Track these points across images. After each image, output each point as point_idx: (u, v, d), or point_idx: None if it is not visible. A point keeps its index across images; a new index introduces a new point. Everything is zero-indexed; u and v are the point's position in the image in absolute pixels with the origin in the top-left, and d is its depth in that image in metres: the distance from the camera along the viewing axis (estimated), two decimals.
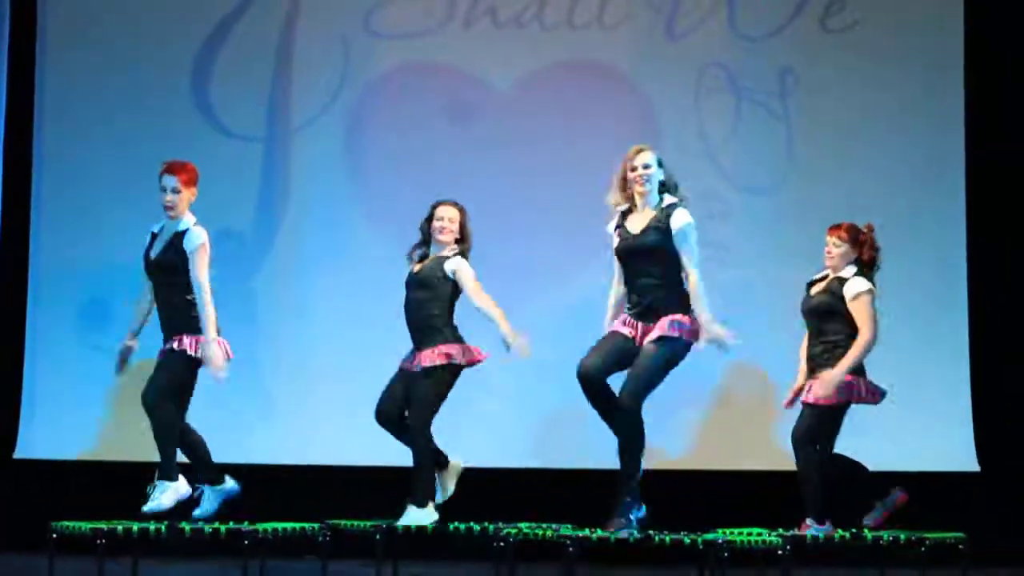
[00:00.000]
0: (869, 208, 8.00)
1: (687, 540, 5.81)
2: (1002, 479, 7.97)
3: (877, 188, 8.14)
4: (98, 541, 5.84)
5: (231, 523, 6.15)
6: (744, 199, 8.22)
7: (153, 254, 6.26)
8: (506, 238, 7.94)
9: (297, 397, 8.07)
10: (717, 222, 7.91)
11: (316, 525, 6.39)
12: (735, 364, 7.71)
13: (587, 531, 5.93)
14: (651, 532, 5.85)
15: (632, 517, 5.91)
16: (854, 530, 6.41)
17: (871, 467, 6.62)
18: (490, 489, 7.78)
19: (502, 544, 6.20)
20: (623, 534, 5.80)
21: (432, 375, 6.43)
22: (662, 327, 5.94)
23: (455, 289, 6.55)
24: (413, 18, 8.38)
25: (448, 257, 6.56)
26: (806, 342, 6.66)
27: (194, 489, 6.28)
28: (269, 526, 6.20)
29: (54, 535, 6.13)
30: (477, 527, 6.35)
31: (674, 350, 5.97)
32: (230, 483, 6.41)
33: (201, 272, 6.18)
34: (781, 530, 6.39)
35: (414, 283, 6.59)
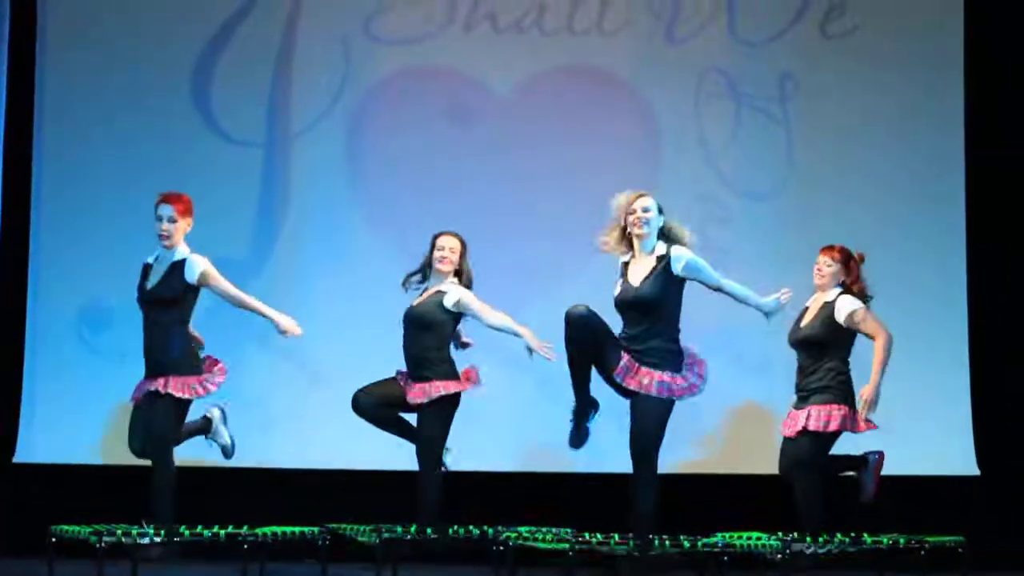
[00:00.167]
0: (868, 212, 8.04)
1: (687, 544, 5.81)
2: (1002, 483, 7.96)
3: (877, 192, 8.14)
4: (97, 545, 5.83)
5: (231, 527, 6.15)
6: (744, 204, 8.21)
7: (149, 285, 6.26)
8: (505, 242, 7.95)
9: (297, 401, 8.06)
10: (717, 227, 7.90)
11: (316, 529, 6.38)
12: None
13: (587, 535, 5.93)
14: (651, 536, 5.84)
15: None
16: (853, 534, 6.41)
17: None
18: (490, 493, 7.78)
19: (502, 548, 6.20)
20: None
21: (431, 411, 6.51)
22: (649, 388, 6.03)
23: (455, 321, 6.60)
24: (413, 23, 8.37)
25: (445, 292, 6.60)
26: (796, 375, 6.65)
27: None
28: (268, 530, 6.19)
29: (53, 539, 6.13)
30: (477, 531, 6.35)
31: (667, 407, 6.08)
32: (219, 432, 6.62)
33: (223, 284, 6.21)
34: (781, 534, 6.39)
35: (412, 319, 6.63)
